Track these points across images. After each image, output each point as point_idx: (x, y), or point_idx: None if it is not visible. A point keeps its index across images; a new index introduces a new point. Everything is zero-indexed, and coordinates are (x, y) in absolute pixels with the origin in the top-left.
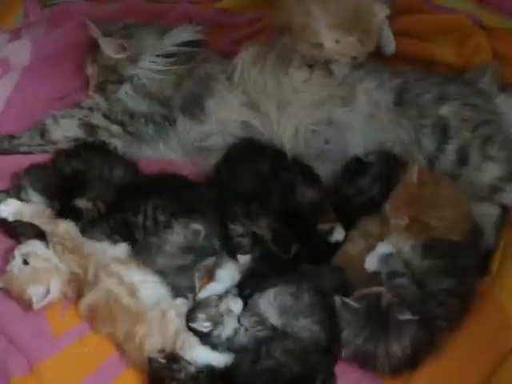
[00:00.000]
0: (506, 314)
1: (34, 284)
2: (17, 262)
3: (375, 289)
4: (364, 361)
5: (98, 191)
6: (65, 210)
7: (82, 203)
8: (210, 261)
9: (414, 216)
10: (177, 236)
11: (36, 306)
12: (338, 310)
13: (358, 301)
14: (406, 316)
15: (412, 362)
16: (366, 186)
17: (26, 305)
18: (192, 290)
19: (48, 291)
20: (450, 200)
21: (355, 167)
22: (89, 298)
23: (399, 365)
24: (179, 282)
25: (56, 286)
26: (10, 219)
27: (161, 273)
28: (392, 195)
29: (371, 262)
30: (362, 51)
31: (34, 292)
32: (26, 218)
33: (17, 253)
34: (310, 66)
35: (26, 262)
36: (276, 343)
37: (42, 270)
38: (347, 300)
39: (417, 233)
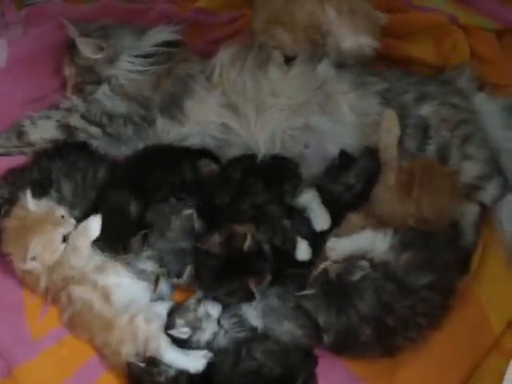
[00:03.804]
0: (485, 313)
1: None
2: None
3: (321, 267)
4: (347, 339)
5: None
6: None
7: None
8: None
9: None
10: (174, 225)
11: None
12: (303, 306)
13: (312, 286)
14: (357, 275)
15: (389, 329)
16: (352, 180)
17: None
18: (180, 276)
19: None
20: (449, 193)
21: (341, 161)
22: (67, 312)
23: (376, 325)
24: (171, 265)
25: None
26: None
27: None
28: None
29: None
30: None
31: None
32: None
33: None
34: (289, 61)
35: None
36: (257, 344)
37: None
38: (301, 293)
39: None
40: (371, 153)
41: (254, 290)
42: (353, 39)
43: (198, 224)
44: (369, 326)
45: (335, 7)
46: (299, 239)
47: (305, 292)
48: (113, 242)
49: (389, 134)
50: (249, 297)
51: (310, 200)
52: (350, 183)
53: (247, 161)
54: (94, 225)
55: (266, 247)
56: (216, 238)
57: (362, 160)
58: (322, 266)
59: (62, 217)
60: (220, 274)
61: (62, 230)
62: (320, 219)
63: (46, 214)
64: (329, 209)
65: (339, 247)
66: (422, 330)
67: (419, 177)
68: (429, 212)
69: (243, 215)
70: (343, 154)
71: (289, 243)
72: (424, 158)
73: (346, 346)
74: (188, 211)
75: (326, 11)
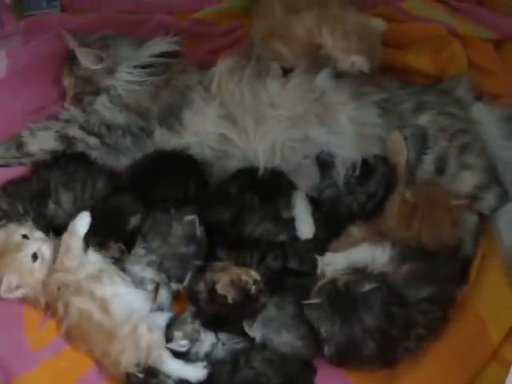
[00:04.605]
0: (484, 323)
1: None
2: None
3: (328, 276)
4: (348, 351)
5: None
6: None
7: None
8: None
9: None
10: (176, 230)
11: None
12: (306, 315)
13: (318, 296)
14: (368, 286)
15: (392, 341)
16: (373, 188)
17: None
18: (180, 280)
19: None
20: (450, 226)
21: (363, 170)
22: (64, 325)
23: (380, 338)
24: (172, 270)
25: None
26: None
27: (159, 265)
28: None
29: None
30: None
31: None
32: None
33: (35, 243)
34: (287, 72)
35: (35, 256)
36: (255, 353)
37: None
38: (306, 302)
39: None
40: (385, 159)
41: (248, 331)
42: (346, 60)
43: (199, 230)
44: (372, 339)
45: (330, 30)
46: (319, 257)
47: (311, 301)
48: (93, 233)
49: (397, 155)
50: (244, 336)
51: (299, 206)
52: (372, 191)
53: (245, 176)
54: (82, 221)
55: (253, 288)
56: (202, 290)
57: (380, 167)
58: (330, 275)
59: (25, 236)
60: (213, 321)
61: (27, 251)
62: (304, 227)
63: (4, 244)
64: (341, 222)
65: (335, 263)
66: (422, 341)
67: (421, 209)
68: (428, 241)
69: (247, 240)
70: (366, 163)
71: (307, 263)
72: (428, 186)
73: (346, 358)
74: (190, 217)
75: (323, 34)
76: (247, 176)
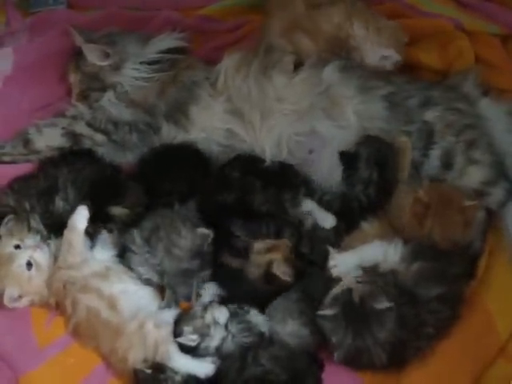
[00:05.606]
0: (491, 319)
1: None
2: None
3: (344, 284)
4: (358, 358)
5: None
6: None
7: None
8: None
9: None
10: (185, 240)
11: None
12: (319, 325)
13: (332, 305)
14: (383, 304)
15: (402, 346)
16: (365, 173)
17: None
18: (188, 297)
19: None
20: (462, 226)
21: (344, 162)
22: (72, 322)
23: (392, 352)
24: (178, 287)
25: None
26: None
27: (163, 274)
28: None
29: (343, 263)
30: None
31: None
32: None
33: (26, 252)
34: (297, 67)
35: (29, 264)
36: (263, 350)
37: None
38: (321, 312)
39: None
40: (367, 138)
41: None
42: (378, 55)
43: (207, 244)
44: (384, 350)
45: (363, 23)
46: (331, 249)
47: (324, 312)
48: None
49: (402, 156)
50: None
51: (309, 207)
52: (365, 177)
53: (247, 162)
54: (80, 217)
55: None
56: (254, 272)
57: (362, 149)
58: (346, 283)
59: (17, 246)
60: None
61: (19, 261)
62: (326, 218)
63: None
64: (355, 215)
65: (342, 264)
66: (431, 339)
67: (434, 208)
68: (440, 241)
69: (258, 214)
70: (342, 154)
71: (317, 253)
72: (441, 186)
73: (356, 364)
74: (205, 231)
75: (354, 26)
76: (249, 163)
